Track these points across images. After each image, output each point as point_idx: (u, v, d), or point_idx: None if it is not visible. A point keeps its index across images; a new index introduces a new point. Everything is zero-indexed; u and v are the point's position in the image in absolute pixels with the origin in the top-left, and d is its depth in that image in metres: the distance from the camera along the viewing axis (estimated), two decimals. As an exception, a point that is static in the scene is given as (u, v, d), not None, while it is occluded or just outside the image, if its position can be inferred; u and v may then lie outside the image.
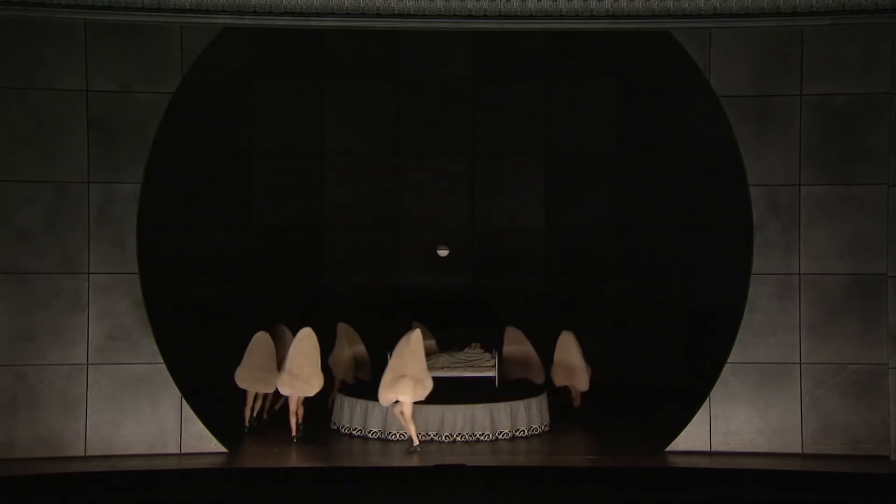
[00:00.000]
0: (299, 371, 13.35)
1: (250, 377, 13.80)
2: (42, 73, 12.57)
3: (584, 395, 15.05)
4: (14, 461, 12.31)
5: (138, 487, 11.82)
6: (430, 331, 15.68)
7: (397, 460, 12.86)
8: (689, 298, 16.44)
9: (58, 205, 12.65)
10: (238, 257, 16.82)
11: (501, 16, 12.45)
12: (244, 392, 14.04)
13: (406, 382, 13.03)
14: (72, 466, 12.26)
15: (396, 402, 13.09)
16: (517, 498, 11.83)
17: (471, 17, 12.47)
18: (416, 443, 13.10)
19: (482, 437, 13.60)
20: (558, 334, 15.06)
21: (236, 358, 13.82)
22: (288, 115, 17.38)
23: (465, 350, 15.05)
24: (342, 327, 15.28)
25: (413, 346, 13.20)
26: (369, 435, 13.73)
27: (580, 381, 14.85)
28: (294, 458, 13.05)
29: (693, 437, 12.93)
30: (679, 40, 12.94)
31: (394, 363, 13.16)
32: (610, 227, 17.50)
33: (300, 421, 13.67)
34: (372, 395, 14.04)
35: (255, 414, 14.24)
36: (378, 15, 12.41)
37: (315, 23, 12.56)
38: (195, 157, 16.28)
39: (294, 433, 13.60)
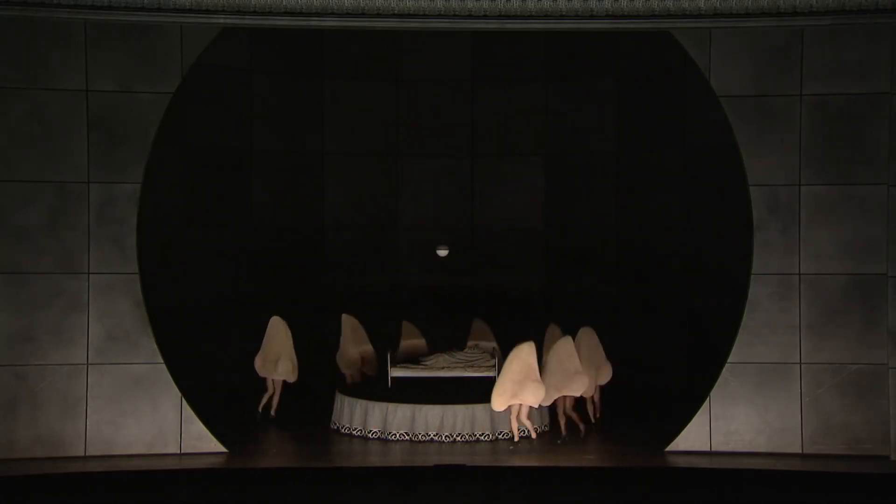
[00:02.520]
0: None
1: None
2: (42, 73, 12.57)
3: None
4: (14, 461, 12.31)
5: (138, 487, 11.83)
6: (420, 330, 15.69)
7: (397, 460, 12.88)
8: (690, 298, 16.43)
9: (58, 205, 12.65)
10: (238, 257, 16.81)
11: (501, 16, 12.44)
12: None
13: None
14: (72, 466, 12.26)
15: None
16: (517, 498, 11.83)
17: (471, 17, 12.47)
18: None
19: (482, 437, 13.60)
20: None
21: (237, 358, 13.82)
22: (288, 115, 17.37)
23: (465, 350, 15.05)
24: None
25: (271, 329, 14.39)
26: (369, 435, 13.73)
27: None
28: (294, 458, 13.05)
29: (693, 437, 12.93)
30: (679, 40, 12.94)
31: None
32: (610, 226, 17.49)
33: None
34: (371, 395, 14.07)
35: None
36: (378, 15, 12.40)
37: (315, 23, 12.55)
38: (195, 157, 16.27)
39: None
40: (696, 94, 15.26)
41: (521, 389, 13.05)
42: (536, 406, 13.24)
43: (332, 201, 17.78)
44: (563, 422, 13.65)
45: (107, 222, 12.72)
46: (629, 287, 17.18)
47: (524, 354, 13.11)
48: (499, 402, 13.11)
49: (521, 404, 13.18)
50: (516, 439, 13.30)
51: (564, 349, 13.46)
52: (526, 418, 13.28)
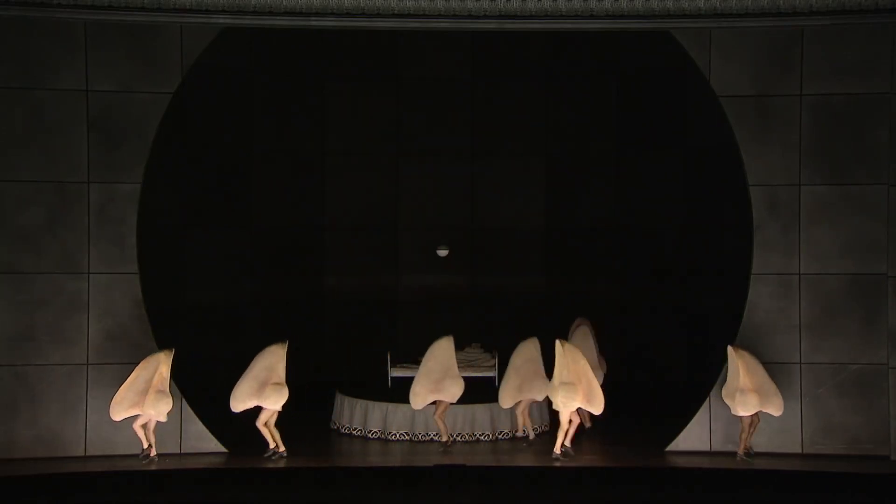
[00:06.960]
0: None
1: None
2: (42, 73, 12.57)
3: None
4: (14, 461, 12.32)
5: (138, 487, 11.83)
6: (422, 330, 15.63)
7: (397, 460, 12.87)
8: (690, 298, 16.43)
9: (58, 205, 12.66)
10: (238, 257, 16.81)
11: (501, 16, 12.44)
12: None
13: None
14: (72, 466, 12.26)
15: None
16: (517, 498, 11.84)
17: (471, 17, 12.46)
18: None
19: (482, 437, 13.61)
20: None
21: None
22: (288, 115, 17.37)
23: (465, 350, 15.04)
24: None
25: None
26: (369, 435, 13.73)
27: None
28: (294, 459, 13.03)
29: (693, 437, 12.93)
30: (679, 40, 12.95)
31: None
32: (610, 227, 17.49)
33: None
34: (371, 395, 14.06)
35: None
36: (378, 15, 12.39)
37: (315, 23, 12.54)
38: (195, 157, 16.26)
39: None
40: (696, 94, 15.25)
41: (443, 386, 13.01)
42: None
43: (332, 201, 17.77)
44: (521, 423, 13.54)
45: (107, 222, 12.72)
46: (629, 287, 17.18)
47: (442, 350, 13.11)
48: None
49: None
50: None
51: (525, 354, 13.35)
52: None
